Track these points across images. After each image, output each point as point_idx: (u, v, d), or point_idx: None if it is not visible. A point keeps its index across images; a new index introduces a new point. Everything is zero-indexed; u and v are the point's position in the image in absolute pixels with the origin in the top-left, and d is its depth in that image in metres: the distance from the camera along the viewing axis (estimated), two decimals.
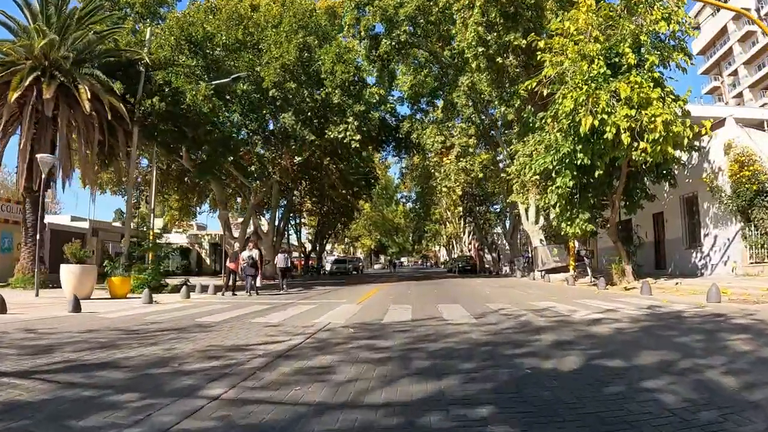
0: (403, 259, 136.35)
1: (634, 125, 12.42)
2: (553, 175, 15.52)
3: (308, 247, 45.24)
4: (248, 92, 23.14)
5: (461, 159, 23.11)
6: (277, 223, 34.69)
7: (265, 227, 33.74)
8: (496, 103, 20.42)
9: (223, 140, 21.57)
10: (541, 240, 26.11)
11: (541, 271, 24.77)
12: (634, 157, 13.15)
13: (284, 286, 18.60)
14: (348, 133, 22.10)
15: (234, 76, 20.70)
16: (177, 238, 40.46)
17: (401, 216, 73.58)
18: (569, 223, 15.15)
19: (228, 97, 23.79)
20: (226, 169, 25.39)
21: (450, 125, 24.13)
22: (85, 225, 29.33)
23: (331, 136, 22.41)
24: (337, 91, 21.82)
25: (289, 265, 19.86)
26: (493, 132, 29.62)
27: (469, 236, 57.41)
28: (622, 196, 16.39)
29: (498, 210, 38.82)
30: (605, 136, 12.54)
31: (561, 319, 7.47)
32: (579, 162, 13.91)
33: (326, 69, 21.60)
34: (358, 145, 22.03)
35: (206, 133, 20.74)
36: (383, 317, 8.08)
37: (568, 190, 14.90)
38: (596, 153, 13.68)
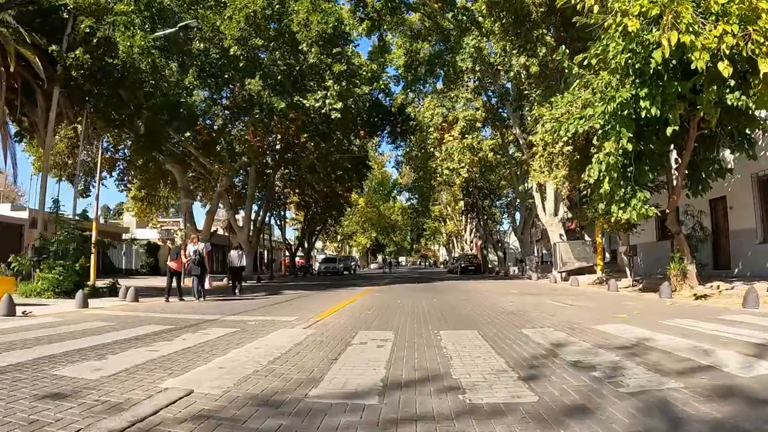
0: (401, 259, 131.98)
1: (734, 49, 8.17)
2: (596, 140, 11.29)
3: (296, 244, 40.94)
4: (206, 51, 18.87)
5: (467, 135, 18.82)
6: (254, 216, 30.44)
7: (241, 221, 29.44)
8: (512, 57, 16.04)
9: (171, 108, 17.26)
10: (561, 235, 21.88)
11: (562, 272, 20.54)
12: (729, 102, 8.90)
13: (237, 290, 14.46)
14: (327, 102, 17.83)
15: (181, 24, 16.42)
16: (146, 234, 36.17)
17: (398, 212, 69.31)
18: (622, 205, 10.85)
19: (183, 58, 19.53)
20: (184, 147, 21.12)
21: (453, 96, 19.83)
22: (25, 215, 25.09)
23: (308, 104, 18.12)
24: (313, 49, 17.55)
25: (244, 263, 15.68)
26: (502, 110, 25.37)
27: (471, 234, 53.14)
28: (687, 171, 12.18)
29: (506, 203, 34.50)
30: (693, 66, 8.26)
31: (720, 384, 3.20)
32: (643, 113, 9.67)
33: (299, 20, 17.31)
34: (339, 116, 17.75)
35: (147, 97, 16.48)
36: (324, 372, 3.83)
37: (619, 160, 10.62)
38: (669, 99, 9.43)
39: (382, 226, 67.15)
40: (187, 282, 14.00)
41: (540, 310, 8.59)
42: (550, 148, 14.22)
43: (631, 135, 10.18)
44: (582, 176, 11.75)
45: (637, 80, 9.88)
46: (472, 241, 53.54)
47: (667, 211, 12.59)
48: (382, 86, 30.66)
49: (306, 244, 42.30)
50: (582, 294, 13.06)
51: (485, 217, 37.44)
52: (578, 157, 14.20)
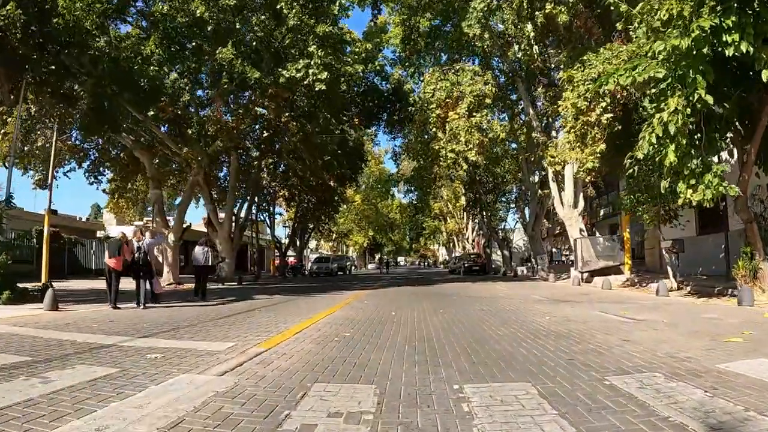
0: (400, 259, 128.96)
1: None
2: (649, 102, 8.54)
3: (286, 242, 38.09)
4: (170, 16, 16.09)
5: (474, 113, 16.05)
6: (238, 211, 27.63)
7: (222, 215, 26.62)
8: (527, 20, 13.23)
9: (123, 77, 14.47)
10: (581, 230, 19.11)
11: (583, 272, 17.79)
12: None
13: (201, 293, 11.90)
14: (311, 72, 15.03)
15: None
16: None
17: (397, 210, 66.51)
18: (692, 182, 8.09)
19: (144, 23, 16.78)
20: (149, 128, 18.32)
21: (458, 68, 17.06)
22: None
23: (287, 75, 15.32)
24: (293, 10, 14.79)
25: (210, 262, 12.93)
26: (512, 93, 22.62)
27: (473, 232, 50.39)
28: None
29: (515, 196, 31.69)
30: None
31: None
32: (729, 51, 6.95)
33: None
34: (324, 87, 14.95)
35: (94, 63, 13.71)
36: None
37: (688, 121, 7.87)
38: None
39: (380, 224, 64.28)
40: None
41: (602, 332, 5.80)
42: (584, 116, 11.44)
43: (709, 83, 7.44)
44: (643, 143, 8.90)
45: (719, 7, 7.17)
46: (474, 240, 50.78)
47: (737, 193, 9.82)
48: (378, 68, 28.01)
49: (298, 243, 39.48)
50: (630, 301, 10.27)
51: (489, 213, 34.67)
52: (619, 127, 11.50)
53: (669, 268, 13.77)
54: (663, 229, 19.28)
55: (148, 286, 11.45)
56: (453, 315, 7.87)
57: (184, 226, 23.54)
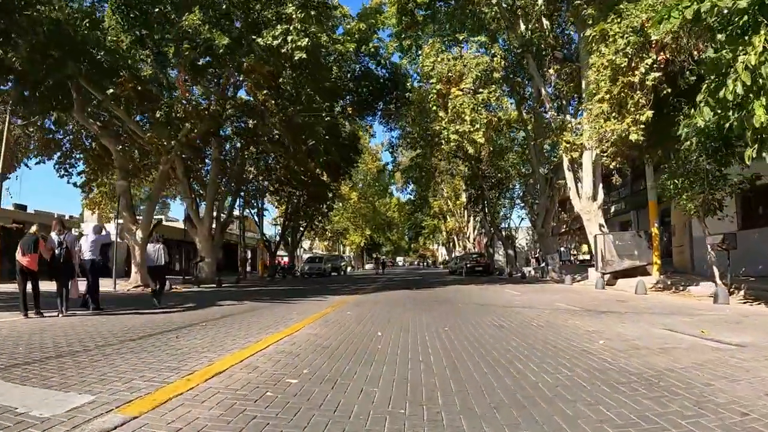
0: (399, 259, 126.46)
1: None
2: (713, 49, 6.33)
3: (275, 241, 35.81)
4: None
5: (481, 89, 13.81)
6: (218, 206, 25.37)
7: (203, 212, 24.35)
8: None
9: (68, 43, 12.21)
10: (601, 226, 16.88)
11: (605, 273, 15.54)
12: None
13: (156, 298, 9.80)
14: (290, 38, 12.78)
15: None
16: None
17: (395, 209, 64.26)
18: None
19: None
20: (107, 108, 16.07)
21: (462, 39, 14.82)
22: None
23: (263, 44, 13.06)
24: None
25: (164, 262, 10.70)
26: (521, 76, 20.37)
27: (474, 230, 48.17)
28: None
29: (521, 191, 29.42)
30: None
31: None
32: None
33: None
34: (304, 56, 12.69)
35: (32, 24, 11.46)
36: None
37: None
38: None
39: (378, 223, 62.01)
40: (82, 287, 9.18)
41: (710, 371, 3.55)
42: (624, 77, 9.20)
43: None
44: (691, 117, 6.67)
45: None
46: (475, 239, 48.56)
47: None
48: (372, 50, 25.77)
49: (290, 242, 37.21)
50: (686, 311, 8.01)
51: (493, 210, 32.44)
52: (669, 89, 9.29)
53: (715, 269, 11.52)
54: (694, 222, 17.04)
55: (83, 288, 9.40)
56: (463, 337, 5.61)
57: (155, 221, 21.29)
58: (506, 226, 37.37)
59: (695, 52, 10.23)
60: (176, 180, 24.19)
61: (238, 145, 24.45)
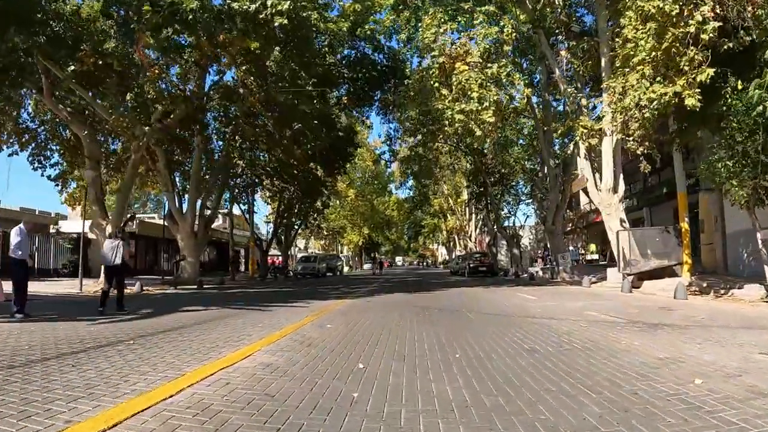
0: (398, 259, 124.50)
1: None
2: None
3: (267, 240, 33.97)
4: None
5: (489, 64, 12.01)
6: (203, 201, 23.56)
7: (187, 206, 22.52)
8: None
9: (16, 7, 10.42)
10: (622, 221, 15.09)
11: (629, 274, 13.75)
12: None
13: (117, 301, 8.91)
14: (269, 2, 10.98)
15: None
16: (74, 226, 29.18)
17: (393, 207, 62.45)
18: None
19: None
20: (66, 87, 14.28)
21: (467, 7, 13.01)
22: None
23: (238, 8, 11.26)
24: None
25: (121, 261, 8.98)
26: (532, 47, 18.55)
27: (476, 229, 46.35)
28: None
29: (529, 185, 27.57)
30: None
31: None
32: None
33: None
34: (285, 22, 10.89)
35: None
36: None
37: None
38: None
39: (376, 222, 60.18)
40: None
41: None
42: (675, 29, 7.39)
43: None
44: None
45: None
46: (477, 238, 46.77)
47: None
48: (368, 32, 23.99)
49: (283, 241, 35.39)
50: (761, 325, 6.21)
51: (497, 207, 30.63)
52: (730, 44, 7.51)
53: (767, 268, 9.73)
54: (728, 215, 15.28)
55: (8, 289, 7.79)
56: (484, 371, 3.81)
57: (128, 215, 19.53)
58: (511, 224, 35.59)
59: (749, 7, 8.47)
60: (156, 172, 22.42)
61: (223, 133, 22.64)
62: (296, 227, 36.96)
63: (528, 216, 43.37)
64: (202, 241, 22.83)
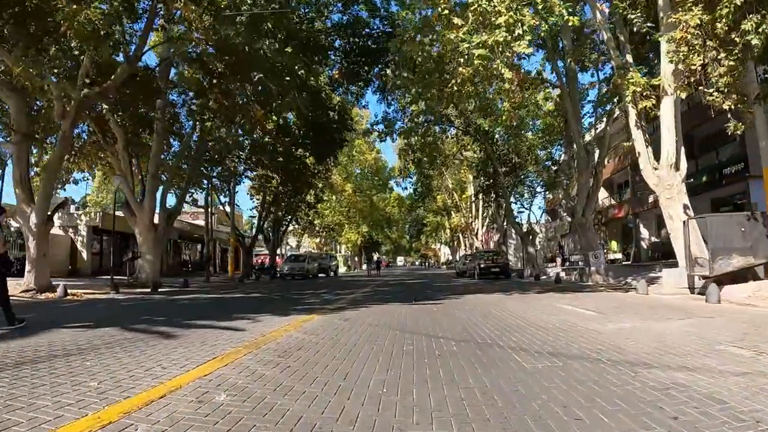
0: (399, 259, 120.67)
1: None
2: None
3: (254, 236, 30.46)
4: None
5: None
6: (164, 190, 20.12)
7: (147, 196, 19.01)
8: None
9: None
10: (685, 207, 11.55)
11: (708, 277, 10.21)
12: None
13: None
14: None
15: None
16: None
17: (394, 203, 58.95)
18: None
19: None
20: None
21: None
22: None
23: None
24: None
25: None
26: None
27: (483, 226, 42.79)
28: None
29: (555, 168, 23.91)
30: None
31: None
32: None
33: None
34: None
35: None
36: None
37: None
38: None
39: (376, 219, 56.67)
40: None
41: None
42: None
43: None
44: None
45: None
46: (484, 236, 43.20)
47: None
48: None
49: (271, 238, 31.91)
50: None
51: (508, 200, 27.03)
52: None
53: None
54: None
55: None
56: None
57: (58, 200, 16.07)
58: (523, 220, 31.99)
59: None
60: (114, 155, 18.96)
61: (189, 109, 19.14)
62: (286, 223, 33.49)
63: (542, 209, 39.71)
64: (163, 234, 19.31)
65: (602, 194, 36.25)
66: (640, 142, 12.35)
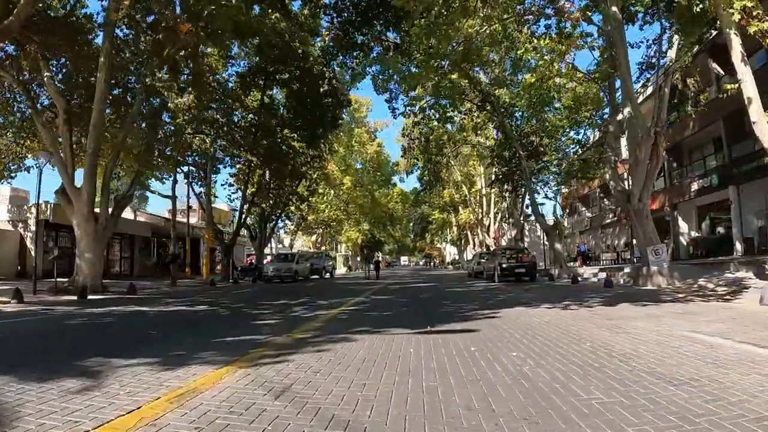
0: (403, 259, 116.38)
1: None
2: None
3: (230, 233, 26.60)
4: None
5: None
6: (108, 170, 16.35)
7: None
8: None
9: None
10: None
11: None
12: None
13: None
14: None
15: None
16: None
17: (397, 199, 55.07)
18: None
19: None
20: None
21: None
22: None
23: None
24: None
25: None
26: None
27: (496, 221, 38.88)
28: None
29: (597, 140, 19.94)
30: None
31: None
32: None
33: None
34: None
35: None
36: None
37: None
38: None
39: (377, 216, 52.75)
40: None
41: None
42: None
43: None
44: None
45: None
46: (496, 231, 39.27)
47: None
48: None
49: (257, 235, 28.09)
50: None
51: (531, 189, 23.08)
52: None
53: None
54: None
55: None
56: None
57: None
58: (550, 212, 27.98)
59: None
60: (45, 126, 15.23)
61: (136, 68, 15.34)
62: (275, 218, 29.66)
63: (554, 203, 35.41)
64: (106, 226, 15.45)
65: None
66: (750, 84, 8.46)
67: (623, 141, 16.85)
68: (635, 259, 20.66)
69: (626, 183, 15.32)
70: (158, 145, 18.07)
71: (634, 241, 24.10)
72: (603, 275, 18.15)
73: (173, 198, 21.60)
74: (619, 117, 13.72)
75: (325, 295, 12.83)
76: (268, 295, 13.62)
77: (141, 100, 15.30)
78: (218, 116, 20.68)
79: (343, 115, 36.48)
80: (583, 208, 42.49)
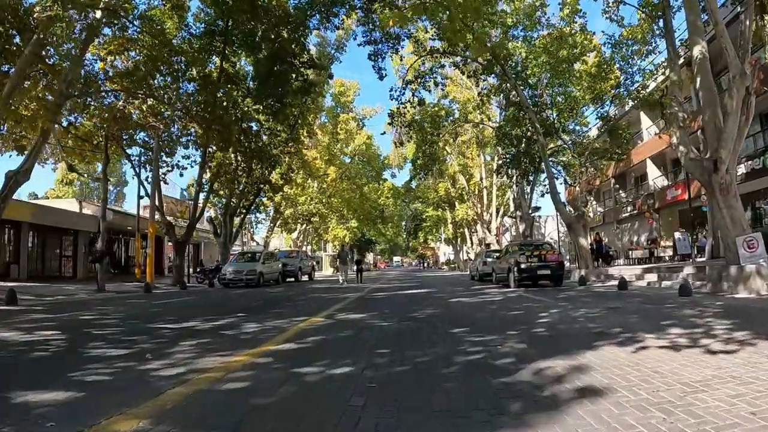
0: (396, 259, 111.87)
1: None
2: None
3: (191, 223, 22.14)
4: None
5: None
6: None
7: None
8: None
9: None
10: None
11: None
12: None
13: None
14: None
15: None
16: None
17: (388, 194, 50.83)
18: None
19: None
20: None
21: None
22: None
23: None
24: None
25: None
26: None
27: (498, 216, 34.79)
28: None
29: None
30: None
31: None
32: None
33: None
34: None
35: None
36: None
37: None
38: None
39: (367, 212, 48.36)
40: None
41: None
42: None
43: None
44: None
45: None
46: (498, 227, 35.20)
47: None
48: None
49: (221, 230, 23.71)
50: None
51: (550, 172, 18.91)
52: None
53: None
54: None
55: None
56: None
57: None
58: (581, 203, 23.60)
59: None
60: None
61: None
62: (244, 211, 25.31)
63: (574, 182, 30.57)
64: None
65: (653, 172, 28.33)
66: None
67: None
68: (681, 256, 16.59)
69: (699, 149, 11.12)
70: (72, 105, 13.68)
71: (677, 235, 20.05)
72: (650, 277, 14.05)
73: (104, 180, 17.14)
74: (697, 49, 9.53)
75: (267, 313, 8.43)
76: (189, 310, 9.30)
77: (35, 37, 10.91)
78: (167, 78, 16.37)
79: (325, 94, 32.14)
80: (595, 202, 38.51)
